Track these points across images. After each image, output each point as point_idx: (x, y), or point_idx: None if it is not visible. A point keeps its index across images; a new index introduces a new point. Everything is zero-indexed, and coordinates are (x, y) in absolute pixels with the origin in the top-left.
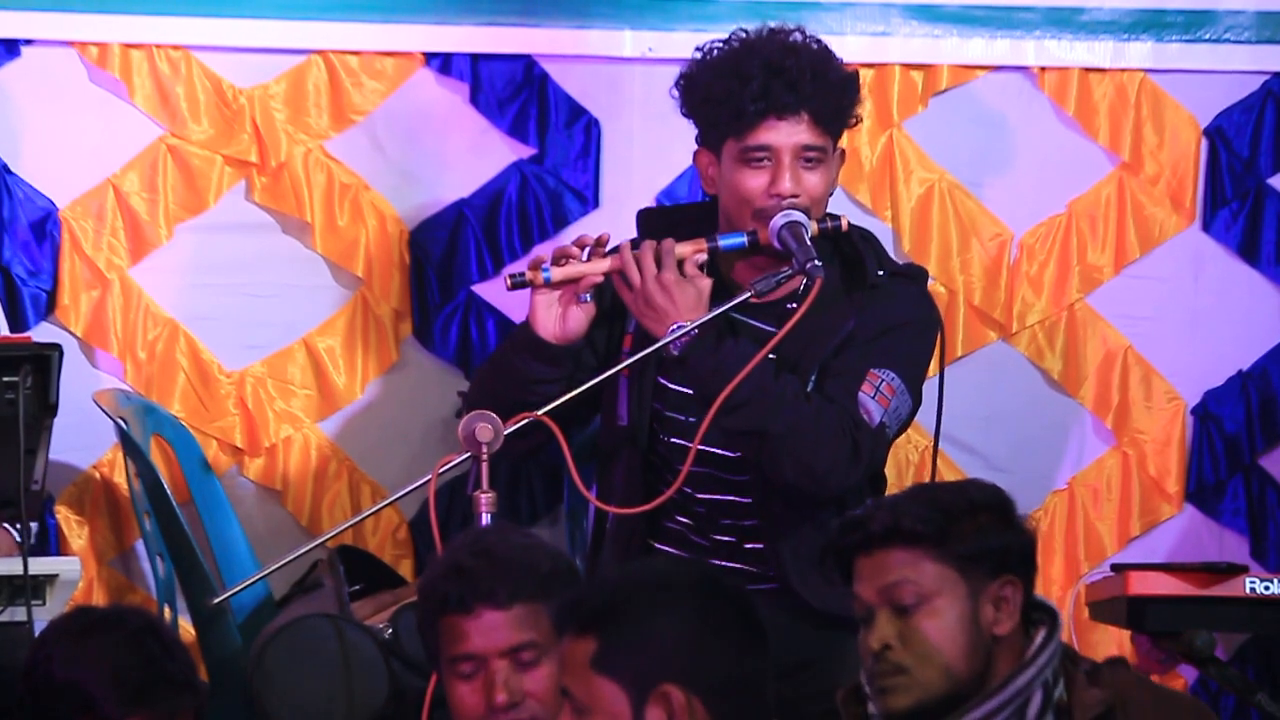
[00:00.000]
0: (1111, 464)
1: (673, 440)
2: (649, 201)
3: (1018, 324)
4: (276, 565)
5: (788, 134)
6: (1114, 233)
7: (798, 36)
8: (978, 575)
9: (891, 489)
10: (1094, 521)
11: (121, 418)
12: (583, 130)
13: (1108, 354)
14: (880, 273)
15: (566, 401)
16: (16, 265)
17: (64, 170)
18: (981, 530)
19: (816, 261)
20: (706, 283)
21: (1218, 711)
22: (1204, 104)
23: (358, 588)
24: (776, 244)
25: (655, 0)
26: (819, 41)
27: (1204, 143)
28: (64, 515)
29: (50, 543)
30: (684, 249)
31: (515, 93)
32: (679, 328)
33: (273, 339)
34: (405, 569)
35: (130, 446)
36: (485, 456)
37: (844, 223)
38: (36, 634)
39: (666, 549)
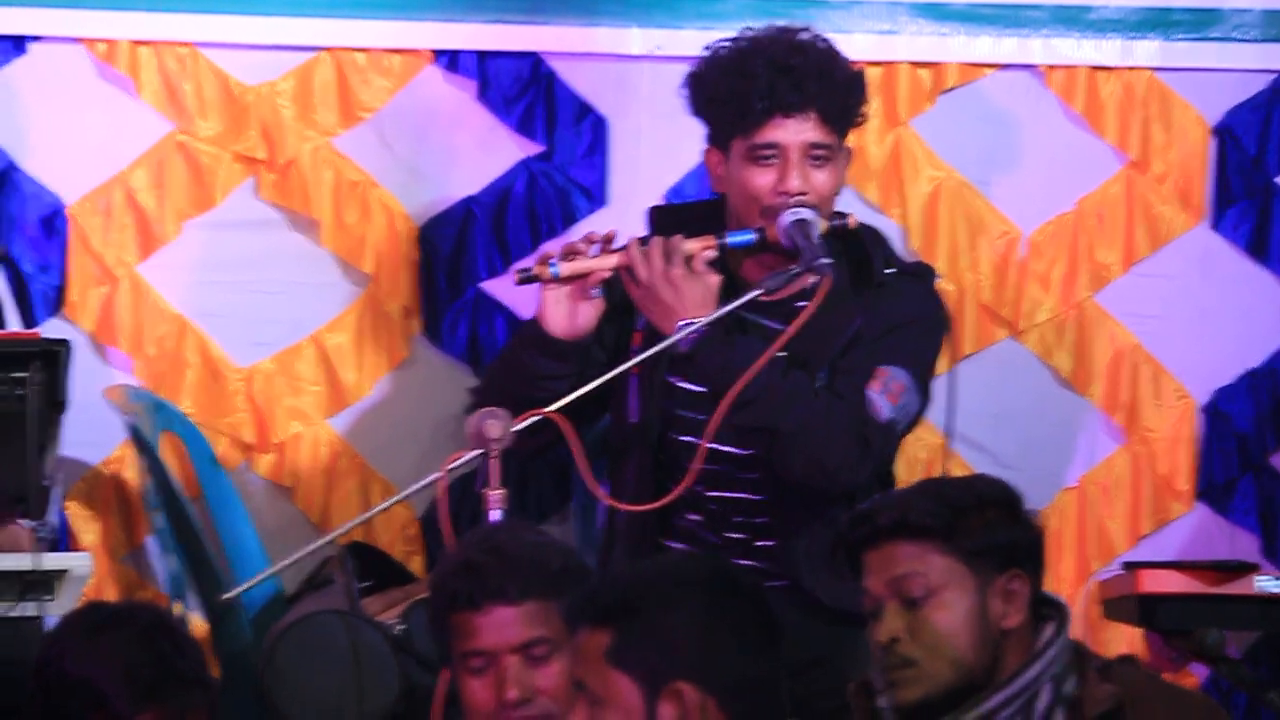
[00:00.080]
0: (1121, 462)
1: (683, 438)
2: (657, 199)
3: (1026, 322)
4: (287, 562)
5: (795, 132)
6: (1123, 231)
7: (805, 35)
8: (985, 569)
9: (901, 486)
10: (1104, 520)
11: (131, 414)
12: (590, 128)
13: (1117, 352)
14: (888, 271)
15: (576, 398)
16: (25, 261)
17: (72, 167)
18: (989, 524)
19: (825, 259)
20: (715, 279)
21: (1229, 709)
22: (1212, 102)
23: (368, 584)
24: (785, 241)
25: None
26: (826, 40)
27: (1212, 141)
28: (74, 511)
29: (61, 538)
30: (692, 245)
31: (523, 90)
32: (687, 324)
33: (282, 336)
34: (416, 565)
35: (140, 443)
36: (495, 453)
37: (851, 220)
38: (47, 629)
39: (677, 546)
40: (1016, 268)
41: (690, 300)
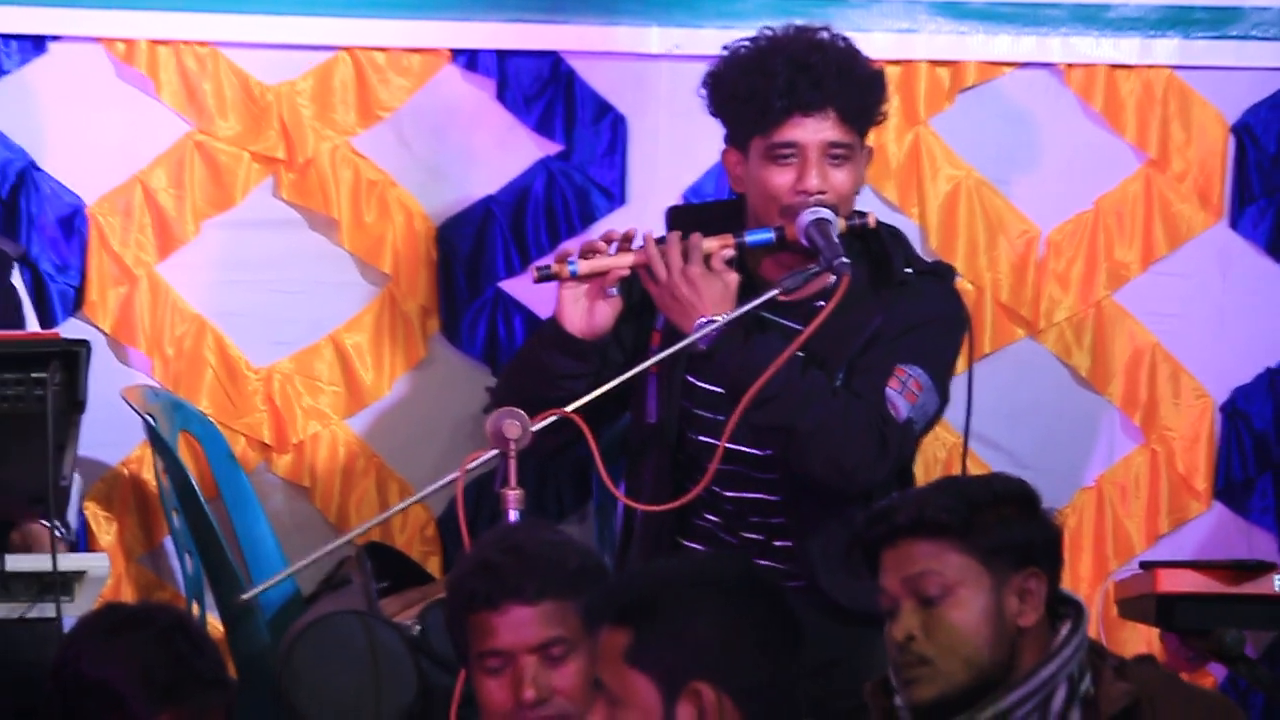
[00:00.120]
0: (1139, 461)
1: (701, 438)
2: (675, 198)
3: (1045, 321)
4: (305, 562)
5: (814, 130)
6: (1141, 229)
7: (824, 34)
8: (1002, 567)
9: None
10: (1122, 519)
11: (150, 414)
12: (609, 127)
13: (1135, 351)
14: (908, 270)
15: (595, 398)
16: (45, 261)
17: (91, 166)
18: (1005, 522)
19: (844, 258)
20: (733, 277)
21: (1246, 709)
22: (1231, 100)
23: (385, 585)
24: (804, 241)
25: None
26: (845, 39)
27: (1231, 139)
28: (92, 512)
29: (79, 539)
30: (711, 244)
31: (542, 89)
32: (706, 322)
33: (300, 335)
34: (433, 566)
35: (158, 443)
36: (513, 453)
37: (871, 219)
38: (65, 631)
39: (695, 546)
40: (1035, 267)
41: (709, 298)
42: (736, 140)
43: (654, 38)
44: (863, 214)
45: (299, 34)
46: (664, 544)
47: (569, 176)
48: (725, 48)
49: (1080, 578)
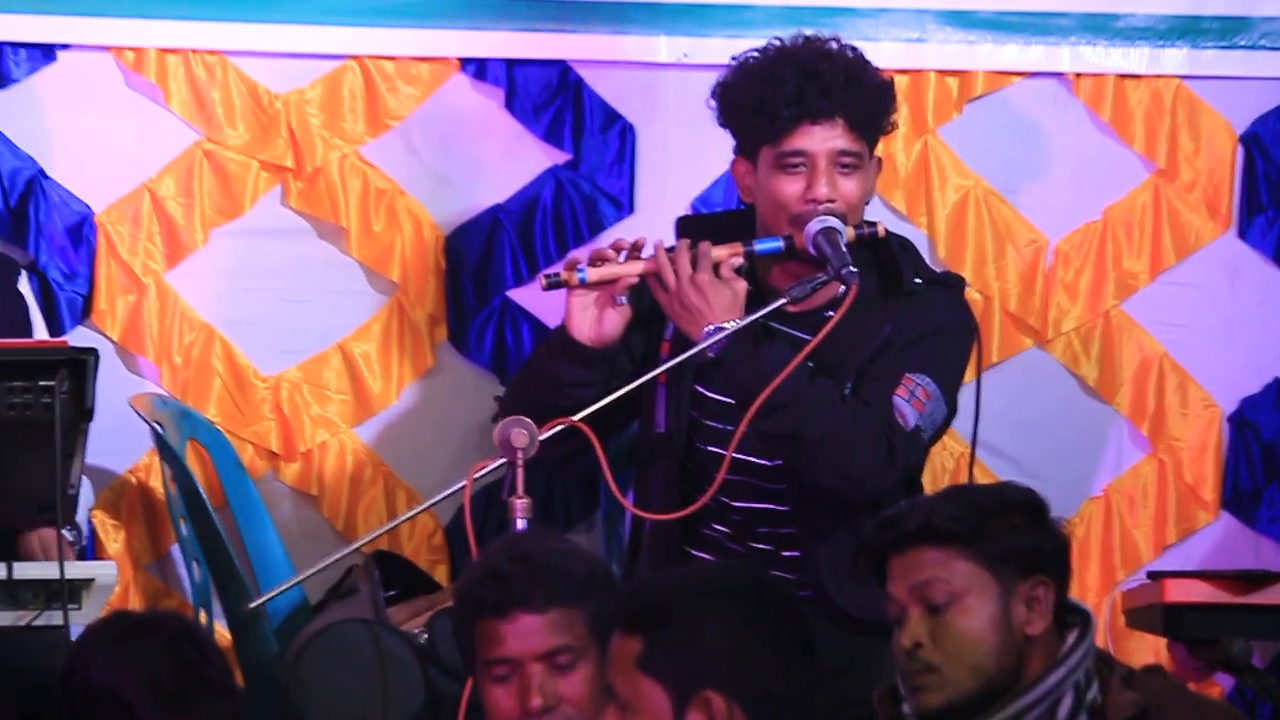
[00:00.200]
0: (1147, 471)
1: (710, 448)
2: (684, 207)
3: (1053, 330)
4: (312, 570)
5: (823, 139)
6: (1150, 239)
7: (833, 44)
8: (1009, 575)
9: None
10: (1130, 529)
11: (158, 422)
12: (618, 136)
13: (1143, 361)
14: (917, 280)
15: (603, 406)
16: (53, 269)
17: (100, 175)
18: (1014, 530)
19: (852, 267)
20: (742, 285)
21: (1254, 719)
22: (1240, 110)
23: (393, 593)
24: (812, 249)
25: (691, 6)
26: (854, 49)
27: (1240, 149)
28: (100, 520)
29: (87, 547)
30: (720, 252)
31: (550, 98)
32: (715, 329)
33: (308, 344)
34: (441, 574)
35: (166, 451)
36: (521, 462)
37: (880, 229)
38: (73, 639)
39: (703, 556)
40: (1043, 276)
41: (717, 305)
42: (746, 150)
43: (662, 47)
44: (872, 223)
45: (308, 43)
46: (672, 554)
47: (577, 185)
48: (734, 58)
49: (1088, 587)
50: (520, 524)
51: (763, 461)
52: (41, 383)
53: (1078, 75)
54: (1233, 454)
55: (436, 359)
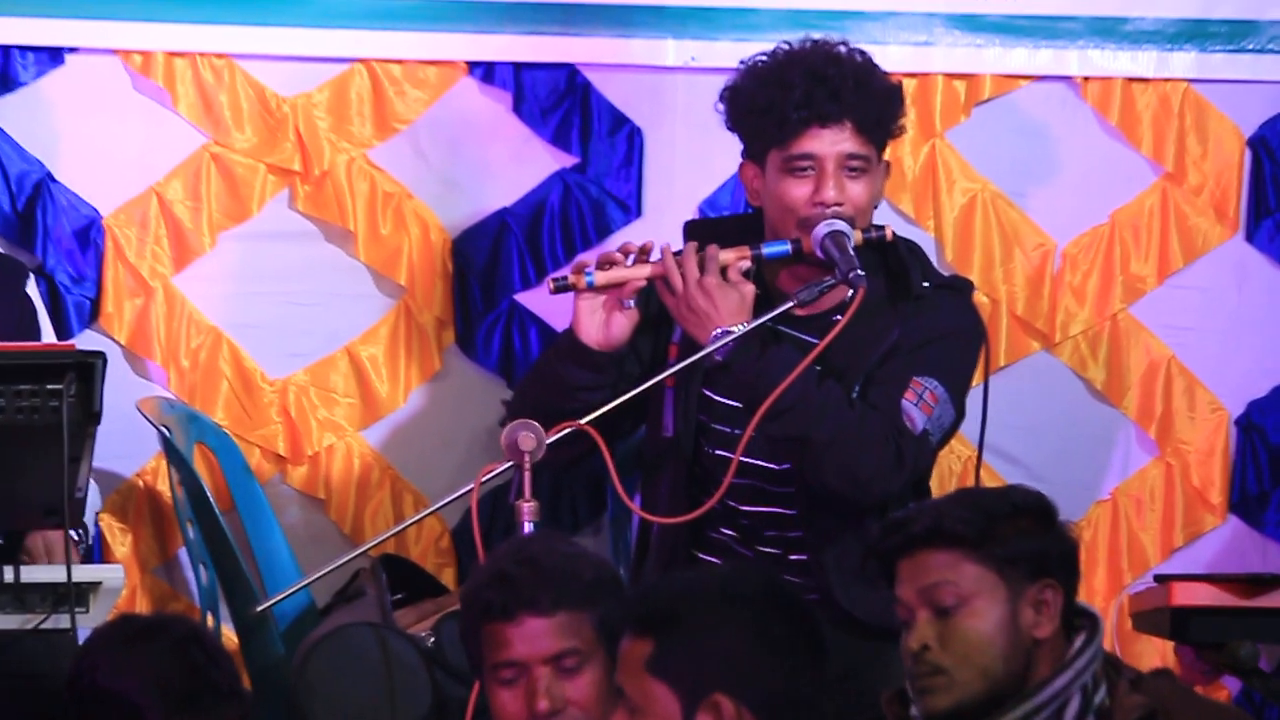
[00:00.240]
0: (1155, 474)
1: (717, 452)
2: (691, 211)
3: (1061, 334)
4: (319, 574)
5: (831, 142)
6: (1157, 243)
7: (842, 47)
8: (1018, 578)
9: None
10: (1137, 532)
11: (165, 426)
12: (625, 139)
13: (1151, 364)
14: (925, 284)
15: (610, 410)
16: (60, 273)
17: (108, 178)
18: (1022, 533)
19: (859, 271)
20: (749, 288)
21: None
22: (1247, 114)
23: (400, 596)
24: (819, 253)
25: (698, 10)
26: (863, 53)
27: (1247, 153)
28: (107, 523)
29: (94, 550)
30: (728, 255)
31: (558, 102)
32: (723, 333)
33: (316, 347)
34: (447, 578)
35: (173, 454)
36: (527, 465)
37: (889, 232)
38: (80, 642)
39: (710, 560)
40: (1051, 279)
41: (725, 309)
42: (754, 154)
43: (670, 50)
44: (880, 227)
45: (315, 46)
46: (679, 557)
47: (585, 189)
48: (743, 62)
49: (1095, 591)
50: (527, 527)
51: (770, 465)
52: (49, 386)
53: (1086, 79)
54: (1240, 457)
55: (444, 362)
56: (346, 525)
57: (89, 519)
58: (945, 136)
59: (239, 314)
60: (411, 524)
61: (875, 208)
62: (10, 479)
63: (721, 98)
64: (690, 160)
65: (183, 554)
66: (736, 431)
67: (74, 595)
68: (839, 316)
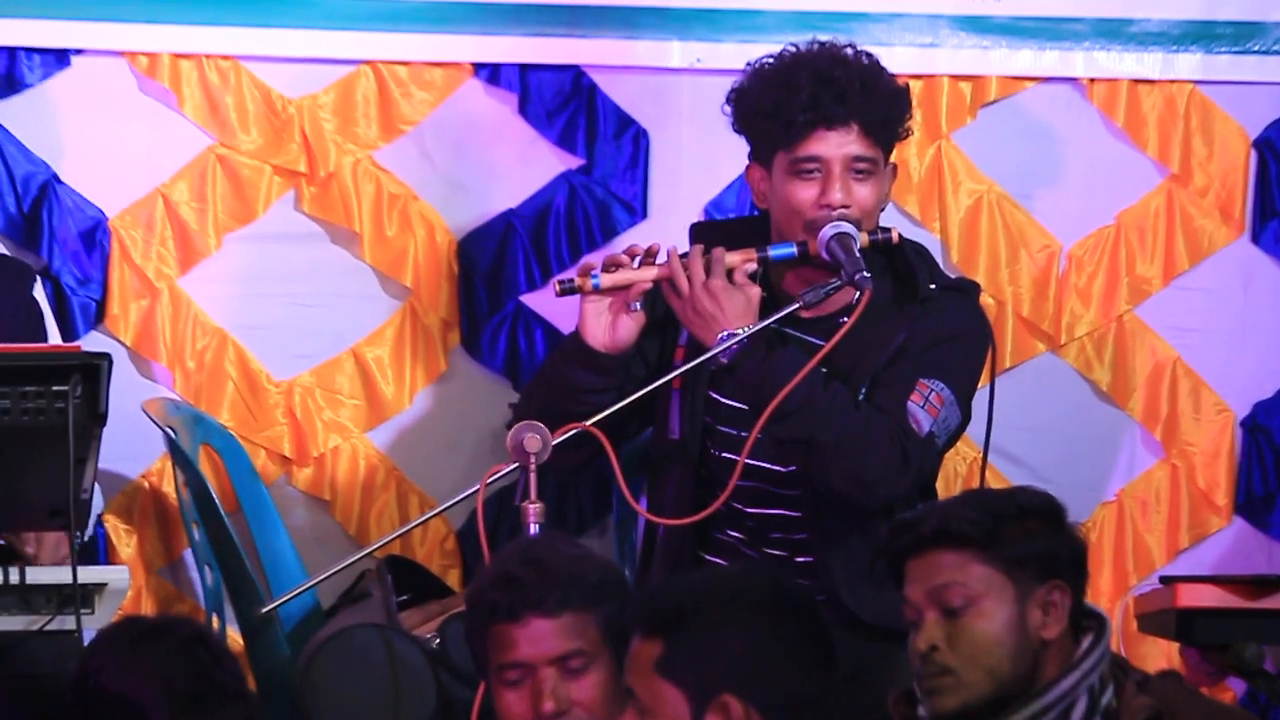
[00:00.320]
0: (1160, 476)
1: (724, 454)
2: (697, 213)
3: (1066, 335)
4: (325, 575)
5: (837, 145)
6: (1163, 244)
7: (848, 50)
8: (1025, 579)
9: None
10: (1142, 533)
11: (170, 427)
12: (631, 141)
13: (1156, 365)
14: (932, 286)
15: (616, 411)
16: (66, 274)
17: (113, 180)
18: (1030, 534)
19: (865, 273)
20: (755, 291)
21: None
22: (1253, 115)
23: (405, 598)
24: (825, 255)
25: (703, 11)
26: (869, 55)
27: (1253, 154)
28: (113, 524)
29: (99, 552)
30: (734, 258)
31: (564, 103)
32: (728, 335)
33: (321, 349)
34: (453, 579)
35: (179, 456)
36: (533, 467)
37: (895, 235)
38: (85, 643)
39: (717, 561)
40: (1056, 281)
41: (731, 311)
42: (760, 156)
43: (675, 52)
44: (886, 229)
45: (321, 48)
46: (685, 559)
47: (590, 191)
48: (749, 63)
49: (1100, 592)
50: (533, 529)
51: (776, 467)
52: (55, 388)
53: (1091, 80)
54: (1245, 459)
55: (449, 364)
56: (352, 527)
57: (90, 519)
58: (951, 138)
59: (244, 315)
60: (417, 525)
61: (882, 210)
62: (15, 480)
63: (728, 100)
64: (696, 162)
65: (188, 555)
66: (742, 434)
67: (79, 596)
68: (845, 319)
